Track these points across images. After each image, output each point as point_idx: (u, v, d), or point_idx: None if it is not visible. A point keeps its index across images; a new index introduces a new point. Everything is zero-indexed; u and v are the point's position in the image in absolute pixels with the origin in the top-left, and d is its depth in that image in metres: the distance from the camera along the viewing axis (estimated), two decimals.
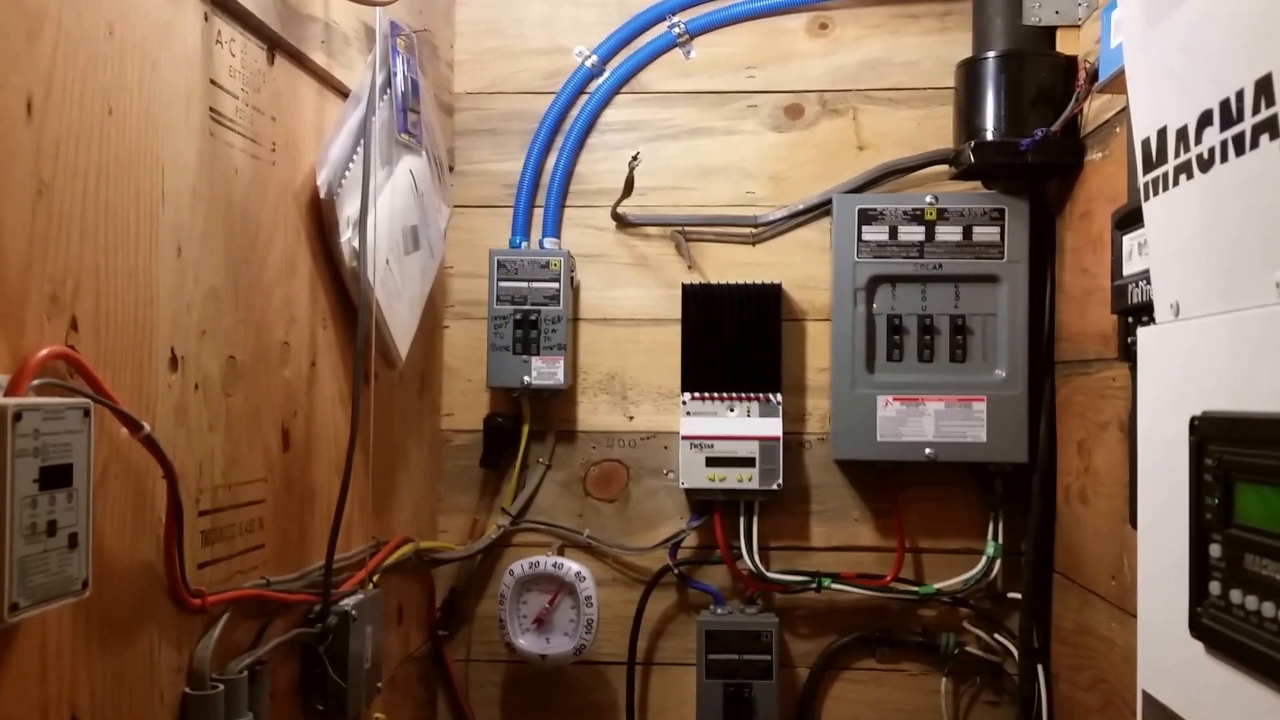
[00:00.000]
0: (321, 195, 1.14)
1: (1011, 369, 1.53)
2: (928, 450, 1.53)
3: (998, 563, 1.60)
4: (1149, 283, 0.87)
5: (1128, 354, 0.91)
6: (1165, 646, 0.73)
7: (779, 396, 1.58)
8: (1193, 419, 0.68)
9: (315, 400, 1.19)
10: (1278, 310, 0.60)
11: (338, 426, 1.25)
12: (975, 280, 1.54)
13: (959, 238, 1.54)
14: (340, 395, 1.26)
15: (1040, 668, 1.54)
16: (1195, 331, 0.69)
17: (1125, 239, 0.91)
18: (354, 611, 1.15)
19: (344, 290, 1.25)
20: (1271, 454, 0.59)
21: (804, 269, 1.65)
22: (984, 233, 1.53)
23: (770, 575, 1.62)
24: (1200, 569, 0.67)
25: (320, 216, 1.18)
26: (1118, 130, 1.31)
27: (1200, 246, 0.69)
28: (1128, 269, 0.91)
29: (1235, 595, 0.63)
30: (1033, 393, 1.53)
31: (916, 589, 1.61)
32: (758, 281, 1.61)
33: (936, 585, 1.61)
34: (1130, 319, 0.91)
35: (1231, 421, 0.64)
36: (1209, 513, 0.66)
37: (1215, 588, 0.65)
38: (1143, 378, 0.78)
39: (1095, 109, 1.41)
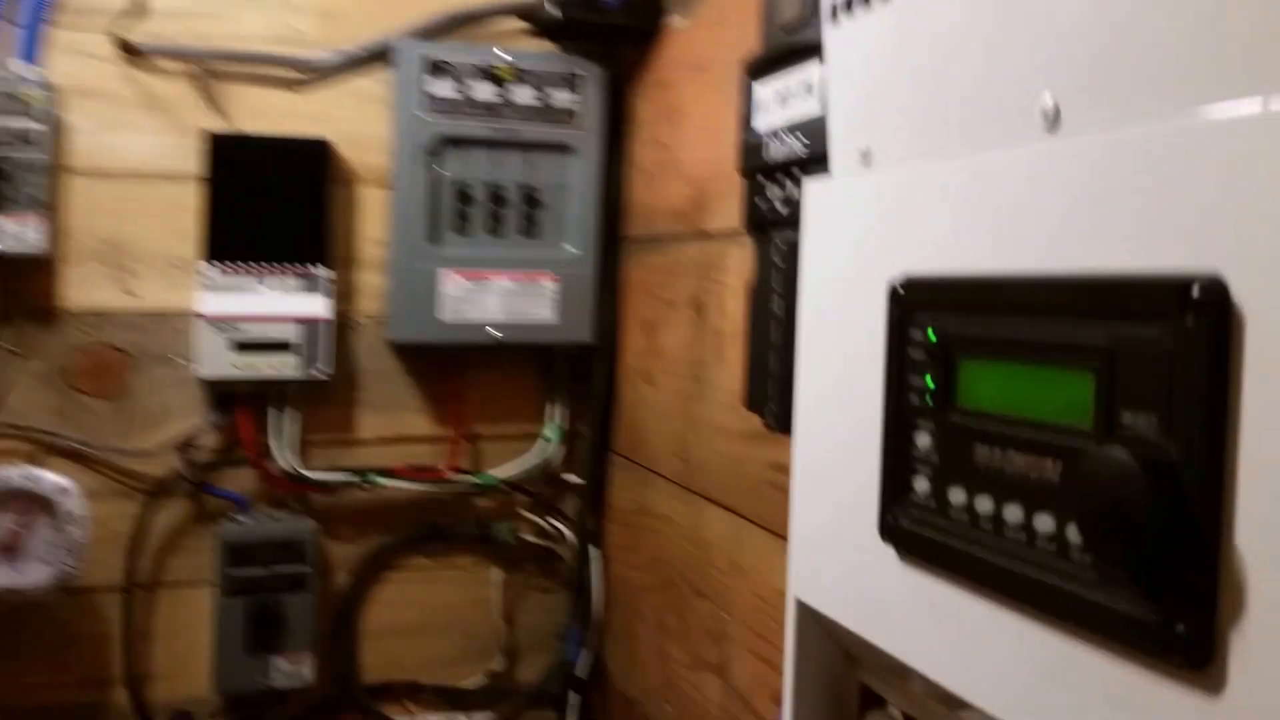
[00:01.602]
0: None
1: (583, 246, 1.37)
2: (494, 331, 1.35)
3: (559, 447, 1.47)
4: (794, 135, 0.73)
5: (759, 221, 0.76)
6: (834, 552, 0.60)
7: (327, 270, 1.30)
8: (894, 285, 0.53)
9: None
10: (1041, 149, 0.46)
11: None
12: (549, 149, 1.35)
13: (534, 101, 1.34)
14: None
15: (595, 550, 1.44)
16: (896, 182, 0.55)
17: (759, 88, 0.76)
18: None
19: None
20: (1012, 322, 0.46)
21: (359, 125, 1.37)
22: (560, 98, 1.35)
23: (309, 475, 1.36)
24: (899, 463, 0.53)
25: None
26: None
27: (911, 78, 0.54)
28: (762, 122, 0.76)
29: (955, 493, 0.50)
30: (603, 271, 1.39)
31: (475, 479, 1.43)
32: (303, 135, 1.30)
33: (496, 473, 1.44)
34: (762, 179, 0.76)
35: (954, 286, 0.50)
36: (916, 396, 0.52)
37: (922, 485, 0.52)
38: (811, 241, 0.63)
39: None
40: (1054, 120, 0.45)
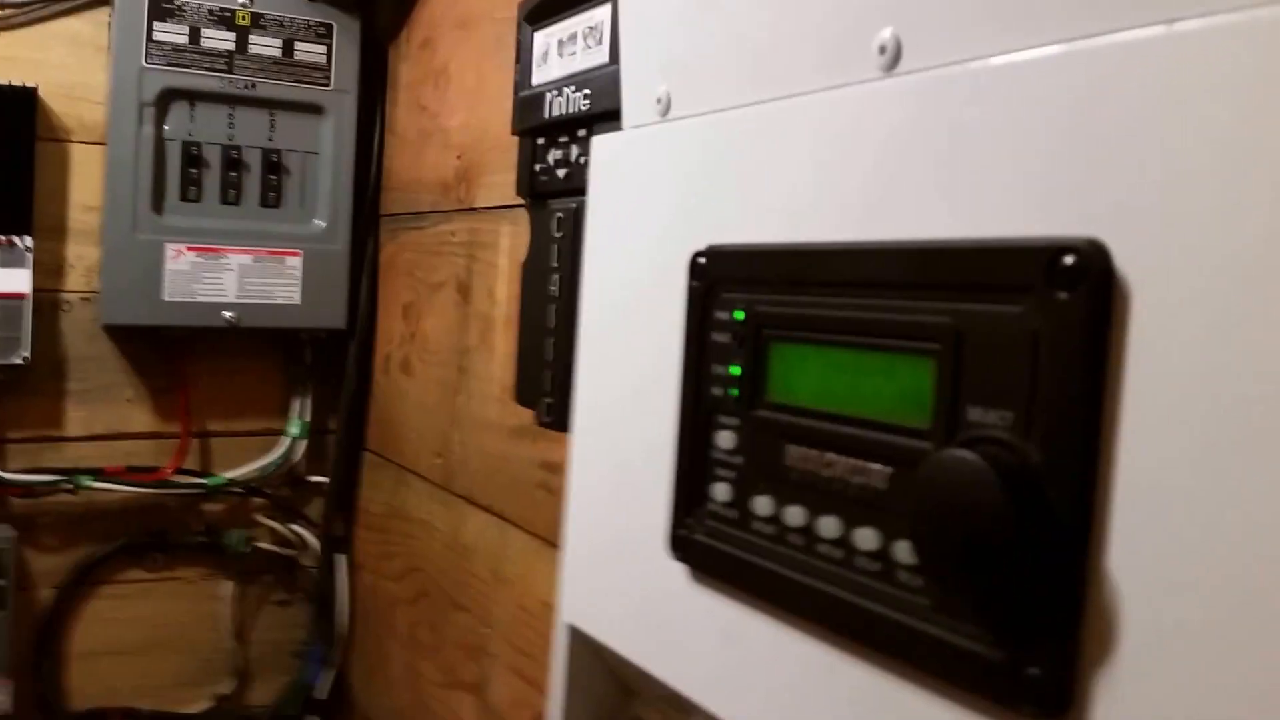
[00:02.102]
0: None
1: (333, 220, 1.24)
2: (229, 314, 1.19)
3: (303, 444, 1.32)
4: (578, 88, 0.64)
5: (536, 189, 0.67)
6: (614, 569, 0.52)
7: (29, 240, 1.11)
8: (696, 257, 0.45)
9: None
10: (874, 90, 0.39)
11: None
12: (296, 109, 1.21)
13: (278, 53, 1.19)
14: None
15: (342, 559, 1.31)
16: (700, 133, 0.47)
17: (540, 36, 0.67)
18: None
19: None
20: (834, 299, 0.39)
21: (71, 73, 1.18)
22: (308, 51, 1.21)
23: (5, 476, 1.16)
24: (696, 466, 0.45)
25: None
26: None
27: (719, 9, 0.46)
28: (541, 75, 0.67)
29: (761, 503, 0.42)
30: (356, 248, 1.25)
31: (204, 480, 1.27)
32: (5, 83, 1.10)
33: (228, 474, 1.28)
34: (540, 140, 0.67)
35: (767, 256, 0.42)
36: (719, 387, 0.44)
37: (723, 492, 0.44)
38: (599, 207, 0.54)
39: None
40: (894, 56, 0.38)
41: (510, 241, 0.99)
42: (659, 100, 0.50)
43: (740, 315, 0.43)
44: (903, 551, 0.36)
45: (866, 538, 0.37)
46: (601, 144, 0.55)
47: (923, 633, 0.35)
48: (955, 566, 0.32)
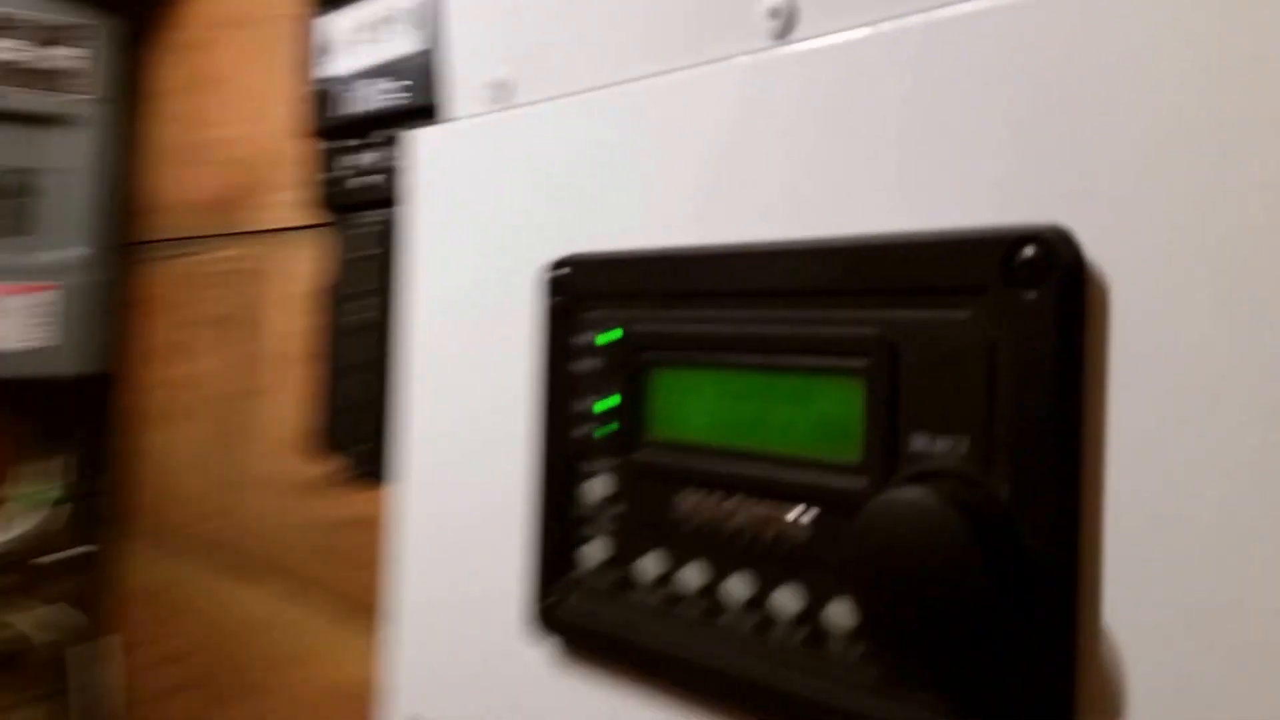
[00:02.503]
0: None
1: (92, 248, 1.11)
2: None
3: (47, 512, 1.18)
4: (387, 78, 0.57)
5: (337, 201, 0.60)
6: (459, 648, 0.45)
7: None
8: (550, 270, 0.40)
9: None
10: (767, 60, 0.34)
11: None
12: (47, 123, 1.07)
13: (20, 57, 1.06)
14: None
15: (96, 647, 1.18)
16: (550, 122, 0.42)
17: (340, 20, 0.60)
18: None
19: None
20: (730, 313, 0.34)
21: None
22: (63, 56, 1.08)
23: None
24: (560, 523, 0.40)
25: None
26: None
27: None
28: (338, 66, 0.60)
29: (647, 562, 0.37)
30: (113, 281, 1.13)
31: None
32: None
33: None
34: (339, 143, 0.60)
35: (641, 265, 0.37)
36: (587, 425, 0.39)
37: (596, 552, 0.38)
38: (421, 215, 0.48)
39: None
40: (787, 21, 0.34)
41: (296, 267, 0.91)
42: (498, 85, 0.44)
43: (613, 337, 0.38)
44: (837, 614, 0.31)
45: (787, 599, 0.33)
46: (423, 140, 0.48)
47: (866, 714, 0.30)
48: (910, 630, 0.28)
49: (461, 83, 0.47)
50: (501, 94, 0.44)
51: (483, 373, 0.44)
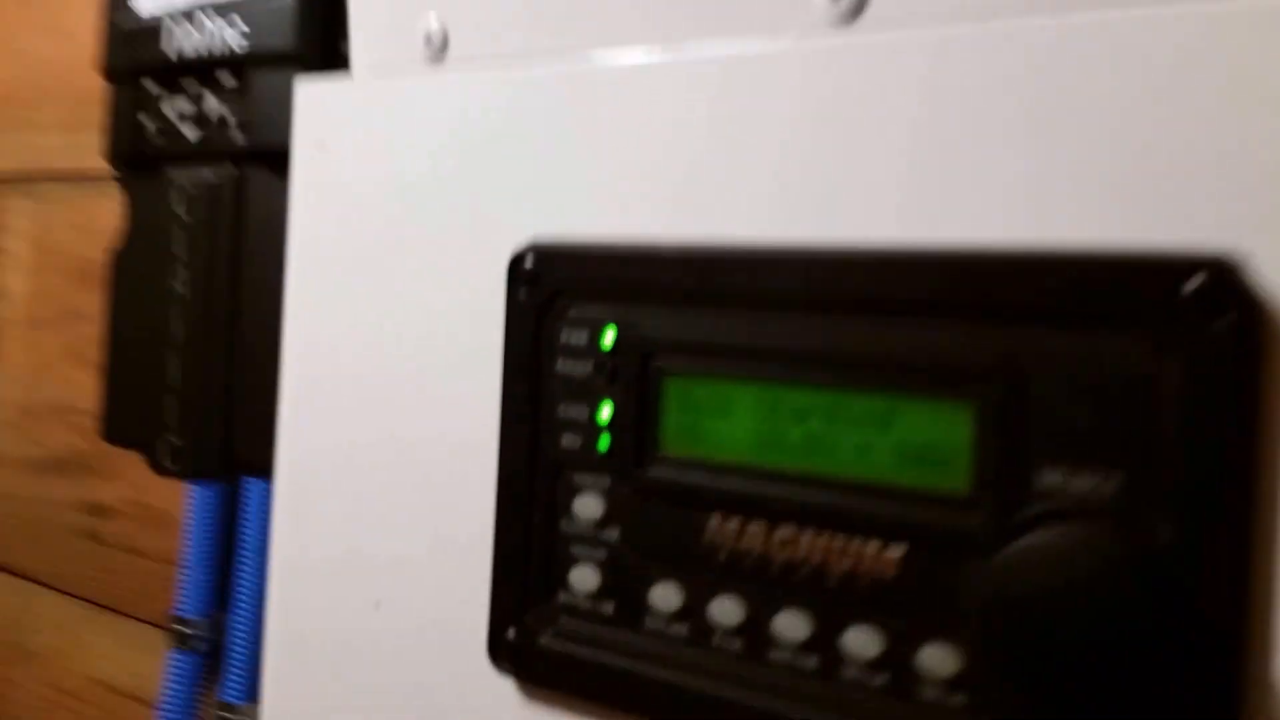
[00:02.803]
0: None
1: None
2: None
3: None
4: (222, 18, 0.47)
5: (144, 154, 0.50)
6: (378, 699, 0.39)
7: None
8: (521, 259, 0.34)
9: None
10: (826, 49, 0.30)
11: None
12: None
13: None
14: None
15: None
16: (501, 88, 0.35)
17: None
18: None
19: None
20: (802, 325, 0.30)
21: None
22: None
23: None
24: (536, 545, 0.34)
25: None
26: None
27: None
28: (151, 3, 0.49)
29: (663, 594, 0.32)
30: None
31: None
32: None
33: None
34: (154, 86, 0.49)
35: (659, 258, 0.32)
36: (584, 437, 0.33)
37: (586, 579, 0.33)
38: (313, 181, 0.40)
39: None
40: (855, 5, 0.30)
41: (30, 222, 0.76)
42: (427, 39, 0.37)
43: (612, 338, 0.33)
44: (931, 659, 0.28)
45: (862, 641, 0.29)
46: (321, 96, 0.40)
47: None
48: (1057, 680, 0.25)
49: (376, 26, 0.38)
50: (434, 49, 0.37)
51: (394, 367, 0.38)
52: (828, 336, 0.29)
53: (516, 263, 0.34)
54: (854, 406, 0.29)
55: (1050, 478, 0.27)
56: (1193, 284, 0.25)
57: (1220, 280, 0.24)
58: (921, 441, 0.28)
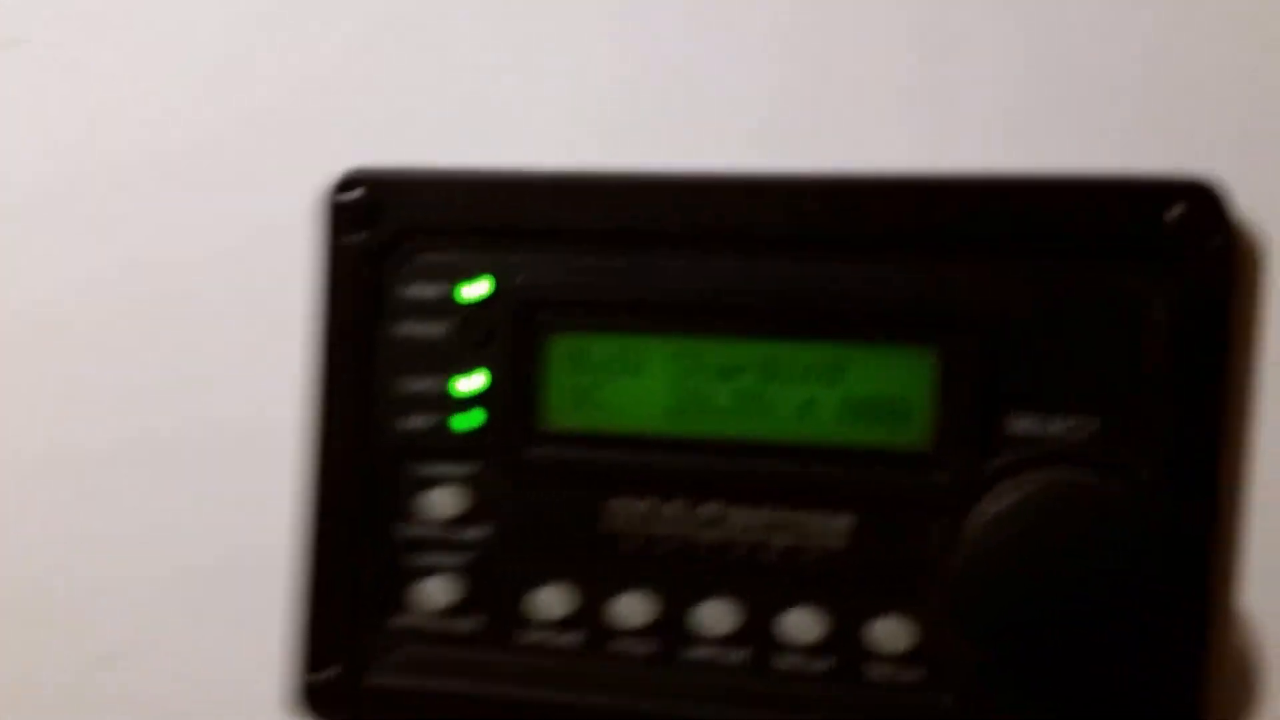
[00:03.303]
0: None
1: None
2: None
3: None
4: None
5: None
6: None
7: None
8: (344, 188, 0.27)
9: None
10: None
11: None
12: None
13: None
14: None
15: None
16: None
17: None
18: None
19: None
20: (722, 266, 0.26)
21: None
22: None
23: None
24: (380, 558, 0.27)
25: None
26: None
27: None
28: None
29: (549, 599, 0.27)
30: None
31: None
32: None
33: None
34: None
35: (536, 189, 0.27)
36: (441, 414, 0.27)
37: (436, 593, 0.27)
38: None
39: None
40: None
41: None
42: None
43: (480, 290, 0.26)
44: (886, 634, 0.25)
45: (804, 625, 0.25)
46: None
47: None
48: (1049, 633, 0.23)
49: None
50: None
51: (123, 334, 0.28)
52: (762, 278, 0.25)
53: (338, 196, 0.27)
54: (795, 359, 0.25)
55: (1022, 425, 0.24)
56: (1175, 210, 0.23)
57: (1203, 205, 0.23)
58: (874, 395, 0.25)
